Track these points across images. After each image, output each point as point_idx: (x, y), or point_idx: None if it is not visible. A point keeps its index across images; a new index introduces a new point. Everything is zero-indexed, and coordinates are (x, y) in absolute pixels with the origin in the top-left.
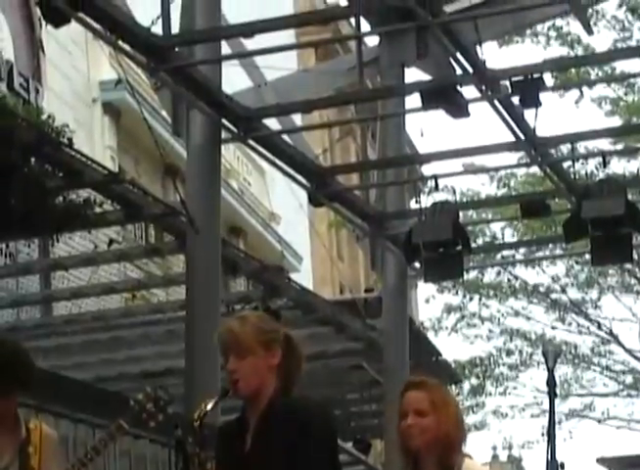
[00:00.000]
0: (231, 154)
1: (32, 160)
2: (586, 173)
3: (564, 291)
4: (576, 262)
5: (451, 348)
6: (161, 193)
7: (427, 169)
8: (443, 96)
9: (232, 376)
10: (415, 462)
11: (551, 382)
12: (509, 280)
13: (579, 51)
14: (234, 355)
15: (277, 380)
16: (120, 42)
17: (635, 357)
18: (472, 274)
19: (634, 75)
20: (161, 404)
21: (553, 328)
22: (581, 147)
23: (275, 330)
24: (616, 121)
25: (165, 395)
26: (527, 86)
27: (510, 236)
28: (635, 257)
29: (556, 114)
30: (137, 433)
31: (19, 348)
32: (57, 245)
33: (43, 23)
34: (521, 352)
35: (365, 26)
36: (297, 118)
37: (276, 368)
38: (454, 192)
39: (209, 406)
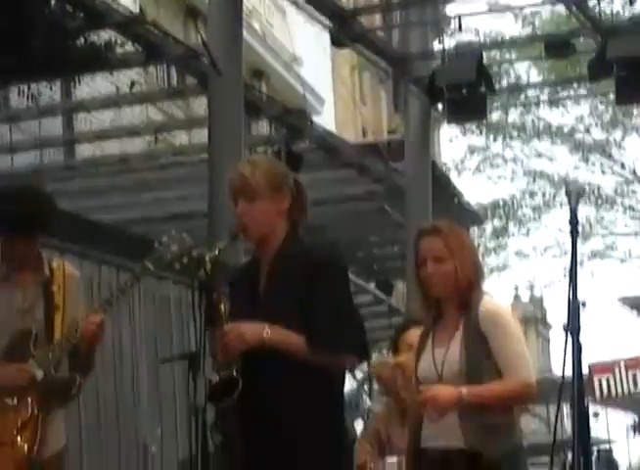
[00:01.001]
0: None
1: (53, 1)
2: (612, 12)
3: (587, 131)
4: (601, 103)
5: (474, 190)
6: (183, 35)
7: (450, 10)
8: None
9: (241, 219)
10: (437, 307)
11: (573, 221)
12: (533, 121)
13: None
14: (243, 199)
15: (287, 223)
16: None
17: None
18: (495, 115)
19: None
20: (186, 247)
21: (576, 169)
22: None
23: (285, 174)
24: None
25: (190, 238)
26: None
27: (534, 76)
28: None
29: None
30: (161, 274)
31: (39, 191)
32: (79, 87)
33: None
34: (544, 193)
35: None
36: None
37: (286, 212)
38: (478, 33)
39: (219, 249)
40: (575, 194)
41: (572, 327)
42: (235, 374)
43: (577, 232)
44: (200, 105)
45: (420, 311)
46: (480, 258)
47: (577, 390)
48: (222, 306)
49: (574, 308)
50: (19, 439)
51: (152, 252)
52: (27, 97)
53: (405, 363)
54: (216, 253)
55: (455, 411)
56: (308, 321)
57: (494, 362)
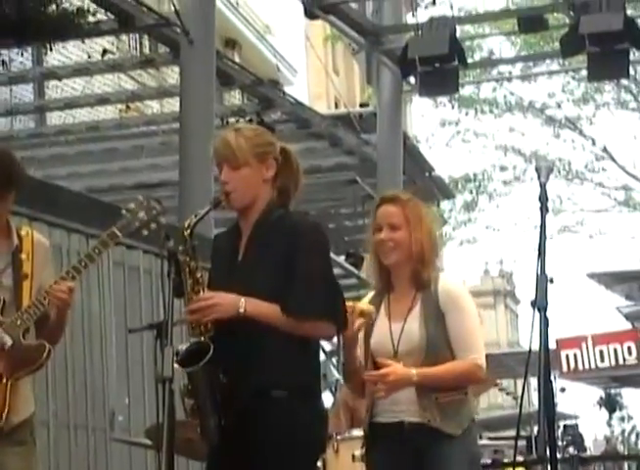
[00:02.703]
0: None
1: None
2: None
3: (559, 107)
4: (573, 78)
5: (445, 163)
6: (156, 4)
7: None
8: None
9: (225, 187)
10: (388, 277)
11: (543, 197)
12: (505, 96)
13: None
14: (228, 166)
15: (272, 192)
16: None
17: (628, 174)
18: (468, 90)
19: None
20: (154, 213)
21: (547, 144)
22: None
23: (270, 143)
24: None
25: (158, 204)
26: None
27: (507, 51)
28: (632, 72)
29: None
30: (131, 244)
31: (8, 152)
32: (50, 54)
33: None
34: (514, 167)
35: None
36: None
37: (271, 181)
38: (451, 7)
39: (200, 216)
40: (545, 169)
41: (540, 303)
42: (205, 340)
43: (547, 208)
44: (172, 74)
45: (373, 278)
46: (451, 230)
47: (544, 364)
48: (198, 273)
49: (542, 284)
50: None
51: (119, 218)
52: None
53: (369, 312)
54: (195, 219)
55: (410, 387)
56: (285, 288)
57: (448, 340)
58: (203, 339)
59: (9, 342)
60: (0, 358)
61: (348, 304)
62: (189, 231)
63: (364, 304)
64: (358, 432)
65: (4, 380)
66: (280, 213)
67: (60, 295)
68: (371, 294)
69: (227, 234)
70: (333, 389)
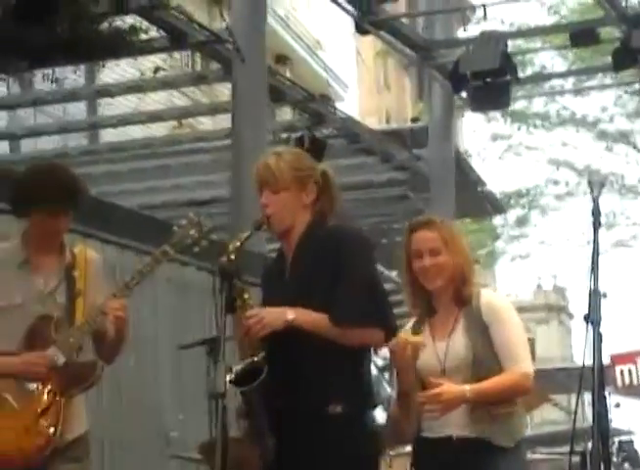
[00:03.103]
0: None
1: None
2: (638, 1)
3: (612, 121)
4: (625, 92)
5: (497, 178)
6: (207, 20)
7: None
8: None
9: (265, 210)
10: (427, 301)
11: (596, 211)
12: (557, 110)
13: None
14: (268, 190)
15: (311, 216)
16: None
17: None
18: (519, 104)
19: None
20: (205, 230)
21: (600, 158)
22: None
23: (311, 167)
24: None
25: (209, 221)
26: None
27: (559, 65)
28: None
29: None
30: (184, 260)
31: (71, 172)
32: (103, 72)
33: None
34: (567, 182)
35: None
36: None
37: (311, 206)
38: (502, 21)
39: (242, 240)
40: (598, 184)
41: (593, 317)
42: (260, 360)
43: (600, 222)
44: (223, 90)
45: (409, 303)
46: (504, 246)
47: (597, 379)
48: (245, 294)
49: (595, 299)
50: (41, 424)
51: (171, 235)
52: (52, 81)
53: (420, 344)
54: (239, 243)
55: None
56: (333, 297)
57: (494, 352)
58: (255, 359)
59: (62, 360)
60: (53, 376)
61: (400, 336)
62: (234, 254)
63: (416, 337)
64: (411, 448)
65: (57, 398)
66: (320, 230)
67: (116, 313)
68: (411, 322)
69: (273, 260)
70: (386, 404)
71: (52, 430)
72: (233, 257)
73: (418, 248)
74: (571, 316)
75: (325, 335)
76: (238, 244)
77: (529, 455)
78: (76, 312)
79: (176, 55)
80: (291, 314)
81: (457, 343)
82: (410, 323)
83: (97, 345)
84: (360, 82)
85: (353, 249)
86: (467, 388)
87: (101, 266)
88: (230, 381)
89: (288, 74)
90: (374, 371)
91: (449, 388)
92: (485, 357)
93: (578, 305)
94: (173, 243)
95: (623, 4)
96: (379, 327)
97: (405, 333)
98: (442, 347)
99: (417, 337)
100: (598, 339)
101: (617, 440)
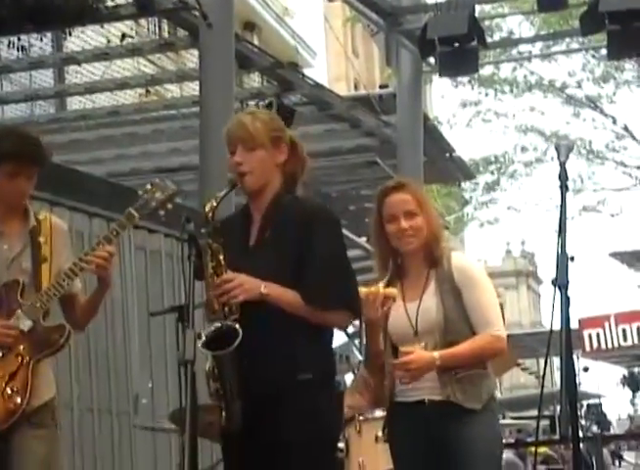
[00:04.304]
0: None
1: None
2: None
3: (579, 86)
4: (593, 57)
5: (466, 144)
6: None
7: None
8: None
9: (240, 168)
10: (399, 263)
11: (563, 176)
12: (525, 75)
13: None
14: (243, 148)
15: (281, 178)
16: None
17: None
18: (487, 70)
19: None
20: (170, 193)
21: (567, 123)
22: None
23: (283, 129)
24: None
25: (173, 184)
26: None
27: (526, 31)
28: None
29: None
30: (152, 227)
31: (33, 135)
32: (69, 39)
33: None
34: (535, 148)
35: None
36: None
37: (282, 166)
38: None
39: (220, 198)
40: (565, 149)
41: (561, 281)
42: (232, 323)
43: (567, 187)
44: (191, 58)
45: (379, 267)
46: (473, 211)
47: (565, 343)
48: (220, 255)
49: (563, 263)
50: (8, 390)
51: (136, 200)
52: (18, 49)
53: (393, 296)
54: (215, 202)
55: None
56: (301, 276)
57: (466, 315)
58: (228, 322)
59: (29, 325)
60: (20, 341)
61: (372, 289)
62: (211, 214)
63: (389, 289)
64: (381, 412)
65: (24, 363)
66: (290, 199)
67: (100, 261)
68: (382, 282)
69: (237, 217)
70: (356, 371)
71: (20, 395)
72: (210, 216)
73: (393, 212)
74: (539, 281)
75: (295, 312)
76: (214, 204)
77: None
78: (42, 278)
79: (143, 22)
80: (265, 288)
81: (428, 303)
82: (380, 284)
83: (66, 310)
84: (328, 49)
85: (324, 227)
86: (436, 355)
87: (66, 234)
88: (202, 344)
89: (256, 42)
90: (344, 338)
91: (419, 355)
92: (457, 319)
93: (547, 270)
94: (139, 206)
95: None
96: (349, 312)
97: (376, 287)
98: (413, 308)
99: (390, 289)
100: (566, 302)
101: (585, 403)
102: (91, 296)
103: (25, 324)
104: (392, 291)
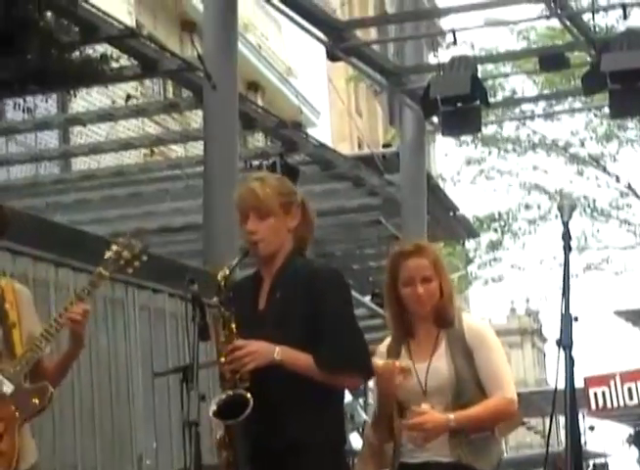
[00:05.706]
0: (248, 8)
1: (48, 14)
2: (606, 26)
3: (582, 145)
4: (595, 116)
5: (470, 202)
6: (179, 48)
7: (445, 23)
8: None
9: (252, 237)
10: (408, 323)
11: (566, 235)
12: (528, 134)
13: None
14: (255, 216)
15: (293, 241)
16: None
17: None
18: (490, 129)
19: None
20: (137, 251)
21: (571, 182)
22: None
23: (294, 192)
24: None
25: (139, 241)
26: None
27: (529, 90)
28: None
29: None
30: (156, 287)
31: None
32: (74, 100)
33: None
34: (539, 206)
35: None
36: None
37: (294, 230)
38: (472, 46)
39: (233, 266)
40: (568, 208)
41: (565, 342)
42: (243, 391)
43: (570, 247)
44: (195, 118)
45: (391, 326)
46: (477, 270)
47: (570, 403)
48: (232, 324)
49: (567, 323)
50: None
51: (105, 260)
52: (23, 110)
53: (408, 369)
54: (228, 271)
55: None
56: (313, 340)
57: (477, 377)
58: (239, 390)
59: (10, 388)
60: (3, 405)
61: (388, 361)
62: (223, 283)
63: (403, 362)
64: None
65: (10, 426)
66: (301, 262)
67: (75, 317)
68: (388, 340)
69: (248, 281)
70: (360, 430)
71: (8, 459)
72: (223, 285)
73: (410, 275)
74: (544, 339)
75: (309, 376)
76: (227, 272)
77: None
78: (15, 344)
79: (148, 83)
80: (278, 354)
81: (439, 364)
82: (384, 344)
83: (32, 375)
84: (332, 109)
85: (334, 291)
86: (451, 416)
87: (30, 298)
88: (213, 413)
89: (259, 102)
90: (349, 397)
91: (433, 416)
92: (468, 380)
93: (552, 328)
94: (106, 265)
95: (592, 29)
96: (361, 374)
97: (392, 362)
98: (423, 368)
99: (405, 361)
100: (570, 363)
101: (591, 462)
102: (63, 356)
103: (7, 389)
104: (407, 364)
